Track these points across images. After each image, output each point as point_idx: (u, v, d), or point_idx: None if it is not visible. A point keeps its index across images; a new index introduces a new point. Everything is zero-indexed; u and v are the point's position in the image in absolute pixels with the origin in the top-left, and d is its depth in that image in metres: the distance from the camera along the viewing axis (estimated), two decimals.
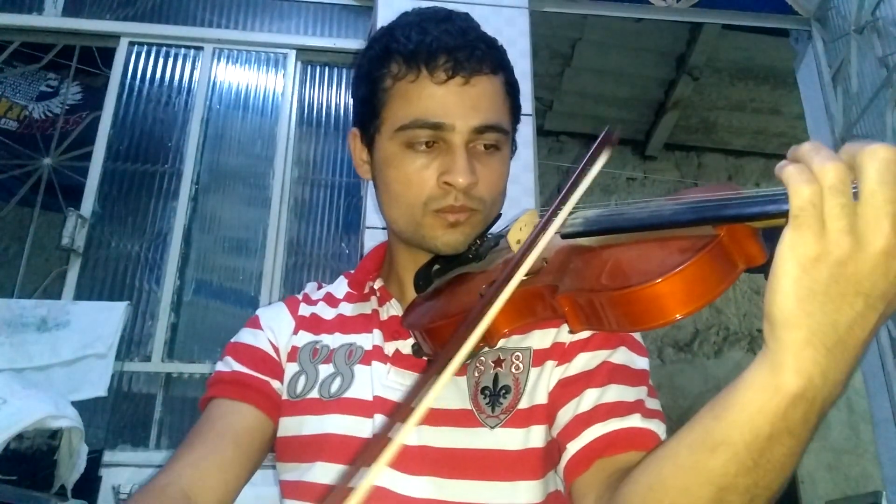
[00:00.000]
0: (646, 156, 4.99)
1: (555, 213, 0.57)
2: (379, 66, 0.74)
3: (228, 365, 0.78)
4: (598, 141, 0.59)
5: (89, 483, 1.84)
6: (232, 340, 0.82)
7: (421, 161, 0.71)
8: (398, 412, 0.42)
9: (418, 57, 0.71)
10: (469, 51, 0.71)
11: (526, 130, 2.33)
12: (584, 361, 0.69)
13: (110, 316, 2.09)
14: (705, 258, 0.46)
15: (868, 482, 3.99)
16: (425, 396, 0.43)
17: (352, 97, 0.81)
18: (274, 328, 0.82)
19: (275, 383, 0.77)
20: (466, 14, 0.77)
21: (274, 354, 0.80)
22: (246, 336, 0.82)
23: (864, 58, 2.62)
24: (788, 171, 0.41)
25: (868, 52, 2.59)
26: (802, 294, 0.40)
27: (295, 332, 0.81)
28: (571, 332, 0.56)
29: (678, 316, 0.47)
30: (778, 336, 0.41)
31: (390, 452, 0.41)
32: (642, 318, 0.48)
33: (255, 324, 0.83)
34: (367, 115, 0.76)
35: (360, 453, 0.38)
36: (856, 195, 0.39)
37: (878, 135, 2.45)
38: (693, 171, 5.05)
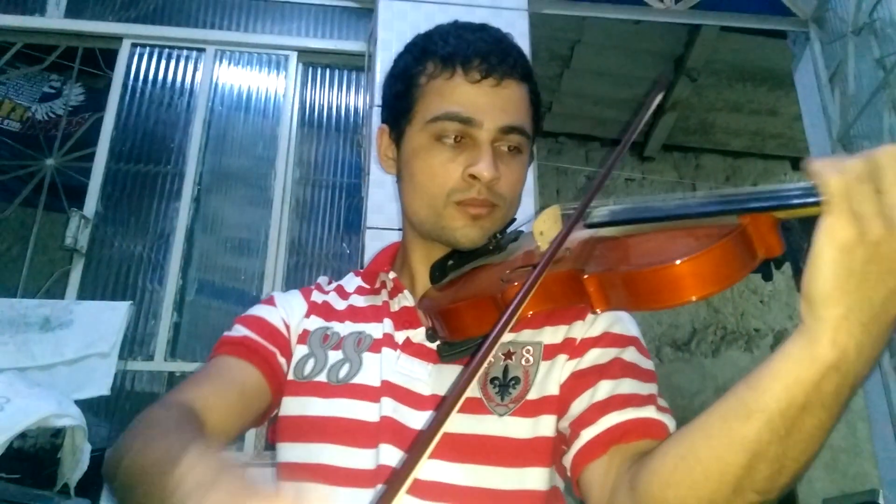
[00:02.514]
0: (644, 157, 5.00)
1: (606, 176, 0.60)
2: (415, 65, 0.79)
3: (238, 331, 0.80)
4: (653, 91, 0.64)
5: (92, 481, 1.85)
6: (244, 314, 0.84)
7: (447, 154, 0.75)
8: (449, 398, 0.46)
9: (455, 58, 0.75)
10: (502, 56, 0.76)
11: None
12: (596, 356, 0.71)
13: (113, 315, 2.10)
14: (729, 244, 0.49)
15: (865, 480, 4.00)
16: (470, 382, 0.46)
17: (383, 96, 0.85)
18: (287, 308, 0.84)
19: (281, 358, 0.79)
20: (499, 28, 0.81)
21: (285, 331, 0.81)
22: (259, 310, 0.84)
23: (861, 59, 2.64)
24: (818, 164, 0.44)
25: (865, 53, 2.61)
26: (841, 274, 0.43)
27: (307, 316, 0.83)
28: (594, 312, 0.58)
29: (695, 297, 0.50)
30: (817, 313, 0.44)
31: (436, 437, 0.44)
32: (663, 297, 0.51)
33: (270, 301, 0.85)
34: (400, 109, 0.79)
35: (416, 438, 0.42)
36: (882, 191, 0.43)
37: (874, 136, 2.47)
38: (691, 172, 5.07)
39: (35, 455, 1.72)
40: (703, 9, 2.90)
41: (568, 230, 0.58)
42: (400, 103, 0.79)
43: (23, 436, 1.65)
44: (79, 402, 1.79)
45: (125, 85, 2.51)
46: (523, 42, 2.43)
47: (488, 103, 0.74)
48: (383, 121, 0.84)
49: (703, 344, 4.63)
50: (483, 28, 0.80)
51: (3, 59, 2.78)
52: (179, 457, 0.48)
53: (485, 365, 0.49)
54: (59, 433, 1.73)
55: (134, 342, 2.18)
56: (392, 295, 0.83)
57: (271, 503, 0.40)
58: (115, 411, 2.10)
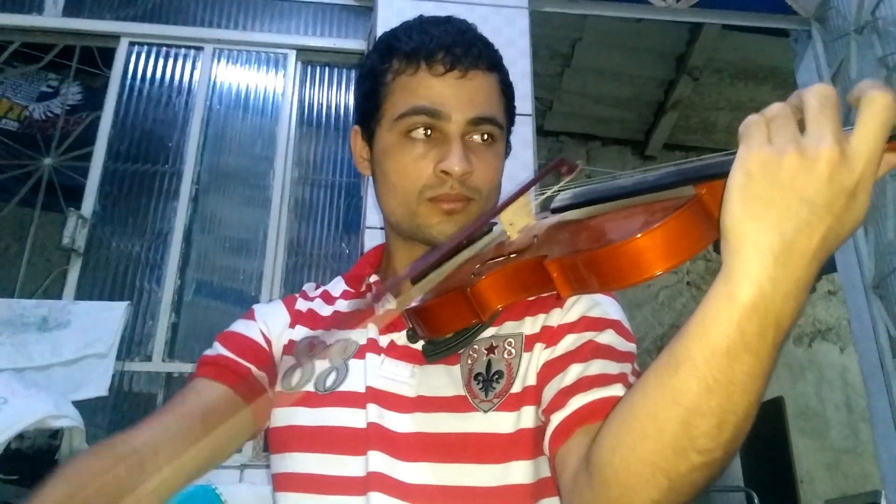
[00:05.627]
0: (645, 156, 4.99)
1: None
2: (381, 63, 0.78)
3: (215, 350, 0.80)
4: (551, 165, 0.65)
5: None
6: (224, 330, 0.84)
7: (418, 150, 0.74)
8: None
9: (418, 53, 0.75)
10: (466, 47, 0.75)
11: (525, 130, 2.33)
12: (571, 342, 0.70)
13: (111, 316, 2.10)
14: (686, 214, 0.48)
15: (867, 482, 3.99)
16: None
17: (354, 97, 0.84)
18: (268, 321, 0.83)
19: (258, 372, 0.78)
20: (465, 19, 0.81)
21: (264, 345, 0.81)
22: (238, 325, 0.84)
23: (863, 58, 2.63)
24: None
25: (868, 52, 2.60)
26: (747, 200, 0.42)
27: (291, 326, 0.83)
28: (560, 297, 0.58)
29: (659, 271, 0.49)
30: (729, 246, 0.44)
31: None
32: (626, 274, 0.50)
33: (250, 315, 0.85)
34: (369, 109, 0.79)
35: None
36: (803, 124, 0.43)
37: None
38: None
39: (33, 456, 1.72)
40: (704, 7, 2.89)
41: (501, 208, 0.59)
42: (368, 103, 0.79)
43: (20, 437, 1.64)
44: (76, 403, 1.79)
45: (123, 84, 2.50)
46: (524, 40, 2.42)
47: (454, 95, 0.74)
48: (355, 122, 0.84)
49: None
50: (447, 21, 0.79)
51: (0, 58, 2.76)
52: None
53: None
54: (56, 434, 1.73)
55: (132, 343, 2.18)
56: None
57: None
58: (113, 412, 2.09)
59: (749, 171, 0.42)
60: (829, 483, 4.15)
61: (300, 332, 0.82)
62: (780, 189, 0.41)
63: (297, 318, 0.84)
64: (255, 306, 0.87)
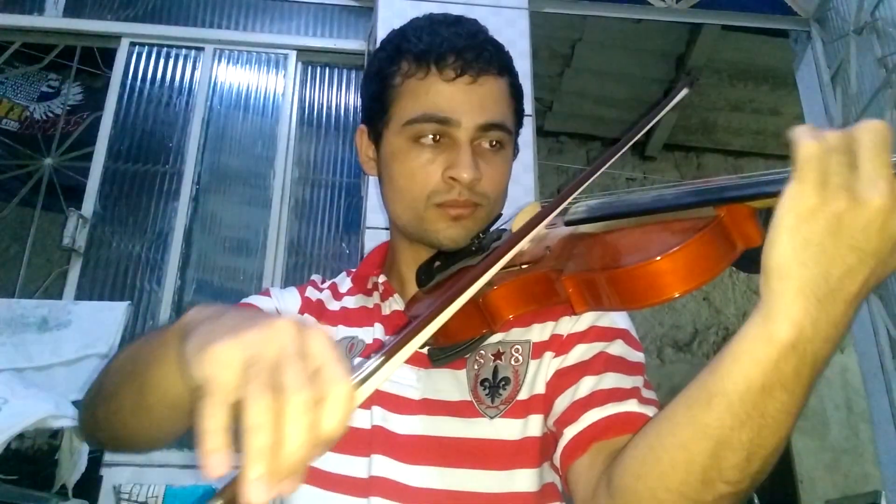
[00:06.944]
0: (645, 156, 4.99)
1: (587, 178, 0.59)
2: (390, 64, 0.76)
3: None
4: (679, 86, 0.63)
5: (90, 482, 1.84)
6: (239, 301, 0.83)
7: (427, 156, 0.73)
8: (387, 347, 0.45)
9: (428, 56, 0.73)
10: (477, 52, 0.74)
11: (526, 131, 2.32)
12: (582, 352, 0.69)
13: (111, 316, 2.10)
14: (706, 237, 0.48)
15: (867, 482, 3.98)
16: (406, 342, 0.45)
17: (361, 96, 0.84)
18: (281, 301, 0.84)
19: None
20: (475, 20, 0.79)
21: None
22: (253, 298, 0.84)
23: (863, 58, 2.63)
24: (799, 130, 0.44)
25: (867, 52, 2.60)
26: (798, 244, 0.42)
27: (301, 312, 0.83)
28: (575, 313, 0.57)
29: (677, 293, 0.48)
30: (772, 286, 0.43)
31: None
32: (644, 295, 0.49)
33: (266, 293, 0.85)
34: (376, 111, 0.78)
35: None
36: (855, 166, 0.42)
37: None
38: (692, 171, 5.05)
39: (33, 456, 1.71)
40: (704, 8, 2.89)
41: (532, 226, 0.56)
42: (376, 105, 0.78)
43: (20, 437, 1.64)
44: (77, 404, 1.79)
45: (123, 84, 2.50)
46: (523, 41, 2.42)
47: (465, 101, 0.73)
48: (362, 121, 0.83)
49: (705, 345, 4.62)
50: (458, 22, 0.77)
51: (1, 58, 2.77)
52: (173, 327, 0.50)
53: (420, 339, 0.46)
54: (56, 434, 1.72)
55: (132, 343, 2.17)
56: (384, 298, 0.82)
57: (273, 329, 0.40)
58: None
59: (801, 215, 0.41)
60: (829, 483, 4.15)
61: (307, 320, 0.81)
62: (831, 236, 0.41)
63: (306, 305, 0.84)
64: (269, 287, 0.87)
